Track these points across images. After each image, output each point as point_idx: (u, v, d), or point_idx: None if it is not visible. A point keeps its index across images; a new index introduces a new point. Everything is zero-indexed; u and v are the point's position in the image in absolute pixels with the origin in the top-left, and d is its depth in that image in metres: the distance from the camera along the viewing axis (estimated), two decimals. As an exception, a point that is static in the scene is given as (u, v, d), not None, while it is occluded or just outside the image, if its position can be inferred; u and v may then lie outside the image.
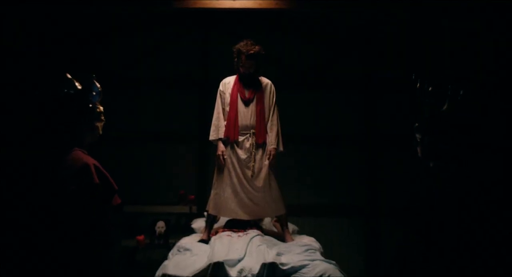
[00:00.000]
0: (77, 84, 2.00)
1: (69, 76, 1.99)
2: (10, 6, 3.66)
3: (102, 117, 2.07)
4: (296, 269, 2.68)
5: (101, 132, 2.07)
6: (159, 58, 5.11)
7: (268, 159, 3.49)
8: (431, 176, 1.98)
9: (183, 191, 4.75)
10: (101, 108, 2.04)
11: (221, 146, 3.52)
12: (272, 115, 3.59)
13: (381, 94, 4.97)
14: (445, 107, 2.09)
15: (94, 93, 2.02)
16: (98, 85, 2.07)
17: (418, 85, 2.07)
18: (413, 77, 2.12)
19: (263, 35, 4.92)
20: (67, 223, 1.71)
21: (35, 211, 1.61)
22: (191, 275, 2.64)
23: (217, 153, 3.52)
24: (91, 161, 1.84)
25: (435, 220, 1.78)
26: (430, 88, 2.06)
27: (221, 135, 3.52)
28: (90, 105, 1.99)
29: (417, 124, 2.09)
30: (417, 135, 2.08)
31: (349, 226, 4.86)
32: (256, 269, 2.66)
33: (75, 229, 1.70)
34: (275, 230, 3.75)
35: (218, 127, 3.56)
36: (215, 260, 2.69)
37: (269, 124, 3.57)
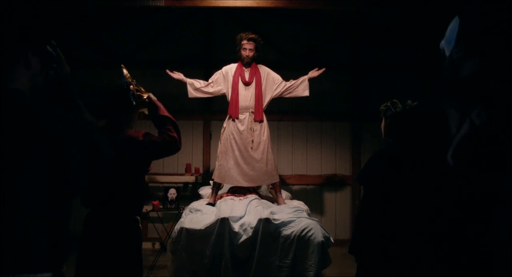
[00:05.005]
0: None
1: (125, 70, 2.62)
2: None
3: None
4: (285, 224, 3.60)
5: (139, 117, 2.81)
6: (166, 40, 5.87)
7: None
8: (386, 150, 2.84)
9: (190, 162, 5.65)
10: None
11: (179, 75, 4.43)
12: (285, 82, 4.45)
13: (366, 74, 5.78)
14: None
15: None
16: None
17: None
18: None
19: (263, 21, 5.70)
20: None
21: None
22: (203, 228, 3.58)
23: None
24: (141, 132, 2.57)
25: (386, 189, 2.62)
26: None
27: (188, 79, 4.41)
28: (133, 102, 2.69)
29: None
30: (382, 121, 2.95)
31: (337, 193, 5.79)
32: (254, 223, 3.58)
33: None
34: (271, 195, 4.66)
35: (193, 80, 4.44)
36: (222, 216, 3.62)
37: (292, 83, 4.44)
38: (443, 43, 1.42)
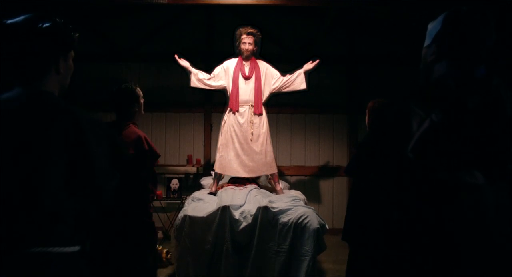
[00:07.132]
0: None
1: None
2: None
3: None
4: (283, 211, 3.86)
5: (143, 112, 3.09)
6: (168, 34, 6.09)
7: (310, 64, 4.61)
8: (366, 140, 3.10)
9: (191, 154, 5.91)
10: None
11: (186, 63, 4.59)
12: (283, 77, 4.64)
13: (362, 67, 6.01)
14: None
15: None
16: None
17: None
18: None
19: (262, 16, 5.90)
20: (128, 178, 2.73)
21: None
22: (205, 216, 3.84)
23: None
24: (142, 134, 2.87)
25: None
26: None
27: (193, 69, 4.59)
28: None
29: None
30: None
31: (334, 184, 6.05)
32: (253, 211, 3.84)
33: (135, 184, 2.74)
34: (269, 186, 4.92)
35: (198, 71, 4.63)
36: (223, 204, 3.87)
37: (289, 77, 4.61)
38: (429, 27, 1.59)
